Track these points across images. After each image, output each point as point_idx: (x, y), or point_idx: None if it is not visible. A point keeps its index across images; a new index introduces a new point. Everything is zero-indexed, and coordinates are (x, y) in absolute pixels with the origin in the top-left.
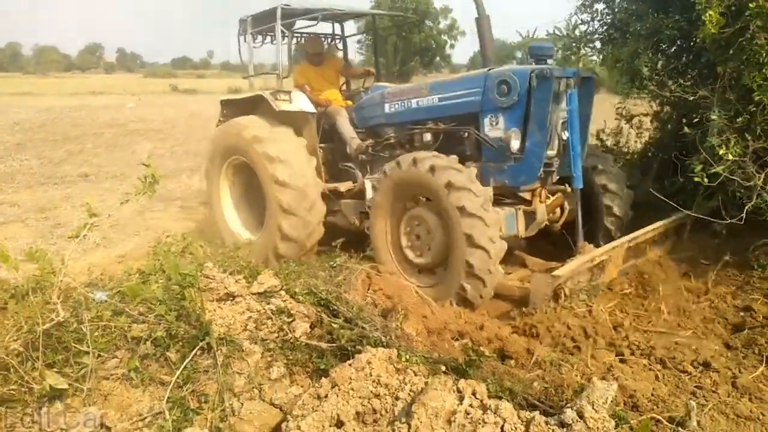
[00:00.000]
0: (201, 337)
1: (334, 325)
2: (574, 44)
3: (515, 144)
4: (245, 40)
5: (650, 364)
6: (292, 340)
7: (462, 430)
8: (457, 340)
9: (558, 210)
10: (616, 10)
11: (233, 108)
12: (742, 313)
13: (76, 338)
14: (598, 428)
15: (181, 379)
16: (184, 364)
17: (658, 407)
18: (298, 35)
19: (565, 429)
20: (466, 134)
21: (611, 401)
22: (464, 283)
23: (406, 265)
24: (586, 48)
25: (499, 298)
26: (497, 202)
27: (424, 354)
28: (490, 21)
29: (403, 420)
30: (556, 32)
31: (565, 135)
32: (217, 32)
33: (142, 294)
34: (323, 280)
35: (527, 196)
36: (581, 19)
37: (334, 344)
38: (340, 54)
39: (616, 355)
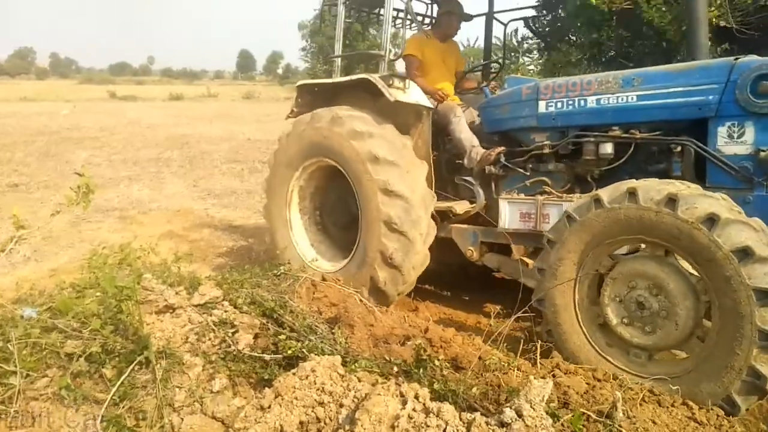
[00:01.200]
0: (139, 352)
1: (280, 336)
2: (512, 53)
3: None
4: (331, 13)
5: None
6: (235, 352)
7: None
8: (403, 344)
9: None
10: (558, 24)
11: (315, 95)
12: None
13: (2, 358)
14: (536, 426)
15: (117, 396)
16: (121, 380)
17: (588, 403)
18: (403, 16)
19: (504, 428)
20: (678, 148)
21: (547, 399)
22: (746, 380)
23: (606, 337)
24: (524, 57)
25: None
26: None
27: (370, 359)
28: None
29: (347, 428)
30: (497, 41)
31: None
32: (158, 37)
33: (75, 308)
34: (267, 289)
35: None
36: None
37: (279, 355)
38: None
39: None
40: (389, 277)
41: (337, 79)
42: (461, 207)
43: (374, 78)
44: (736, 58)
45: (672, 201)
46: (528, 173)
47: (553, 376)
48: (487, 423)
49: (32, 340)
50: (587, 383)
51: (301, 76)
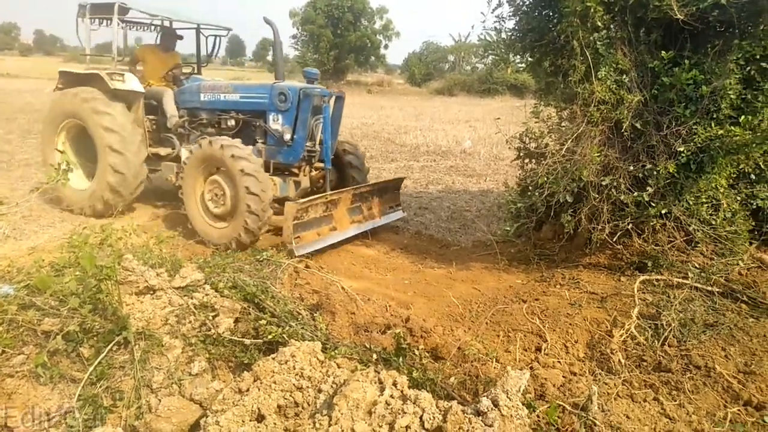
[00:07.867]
0: (117, 332)
1: (261, 321)
2: (503, 51)
3: (287, 136)
4: (83, 22)
5: None
6: (215, 336)
7: (382, 420)
8: (383, 333)
9: (322, 180)
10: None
11: (71, 78)
12: None
13: None
14: (512, 416)
15: (94, 375)
16: (98, 359)
17: (565, 395)
18: (133, 25)
19: (480, 417)
20: (258, 124)
21: (524, 390)
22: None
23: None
24: (515, 56)
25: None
26: (276, 173)
27: (350, 346)
28: (282, 46)
29: (325, 412)
30: (486, 38)
31: (321, 134)
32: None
33: (54, 286)
34: (249, 273)
35: (297, 171)
36: (504, 27)
37: (259, 340)
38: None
39: None
40: (113, 198)
41: (83, 71)
42: (165, 151)
43: (102, 73)
44: (274, 83)
45: (218, 143)
46: (198, 133)
47: (531, 368)
48: (463, 411)
49: (9, 316)
50: (564, 376)
51: (291, 65)
